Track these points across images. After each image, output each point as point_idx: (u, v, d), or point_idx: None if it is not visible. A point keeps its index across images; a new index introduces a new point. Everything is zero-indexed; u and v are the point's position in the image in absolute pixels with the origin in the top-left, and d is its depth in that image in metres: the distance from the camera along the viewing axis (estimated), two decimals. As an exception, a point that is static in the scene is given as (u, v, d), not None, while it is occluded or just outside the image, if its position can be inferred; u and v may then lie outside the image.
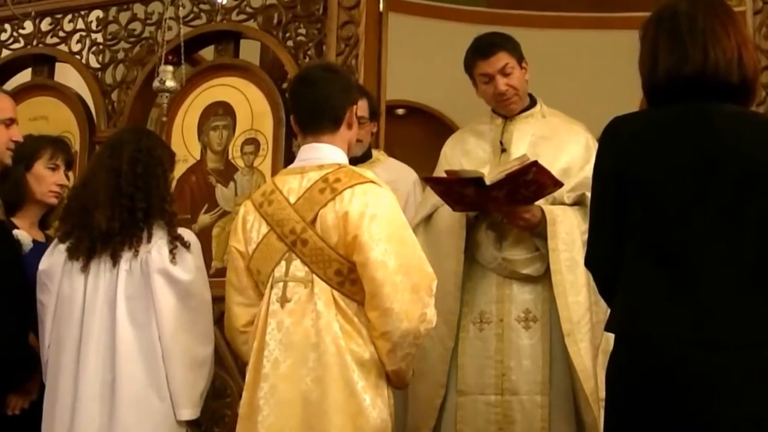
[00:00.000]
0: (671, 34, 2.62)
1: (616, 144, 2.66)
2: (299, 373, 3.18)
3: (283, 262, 3.29)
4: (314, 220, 3.25)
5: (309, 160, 3.38)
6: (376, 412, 3.18)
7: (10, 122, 3.88)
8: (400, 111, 9.84)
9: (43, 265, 3.67)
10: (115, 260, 3.53)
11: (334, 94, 3.40)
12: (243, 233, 3.40)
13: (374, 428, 3.17)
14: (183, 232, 3.63)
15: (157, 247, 3.54)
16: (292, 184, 3.34)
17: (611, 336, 3.19)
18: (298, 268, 3.27)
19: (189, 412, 3.54)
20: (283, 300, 3.26)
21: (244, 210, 3.45)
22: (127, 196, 3.56)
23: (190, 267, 3.56)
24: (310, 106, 3.41)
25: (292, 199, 3.30)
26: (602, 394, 3.65)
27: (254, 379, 3.25)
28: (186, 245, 3.57)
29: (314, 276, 3.24)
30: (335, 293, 3.23)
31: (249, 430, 3.24)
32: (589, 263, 2.80)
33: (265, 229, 3.34)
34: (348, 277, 3.24)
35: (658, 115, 2.63)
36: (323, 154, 3.38)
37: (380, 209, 3.24)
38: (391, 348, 3.21)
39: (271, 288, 3.29)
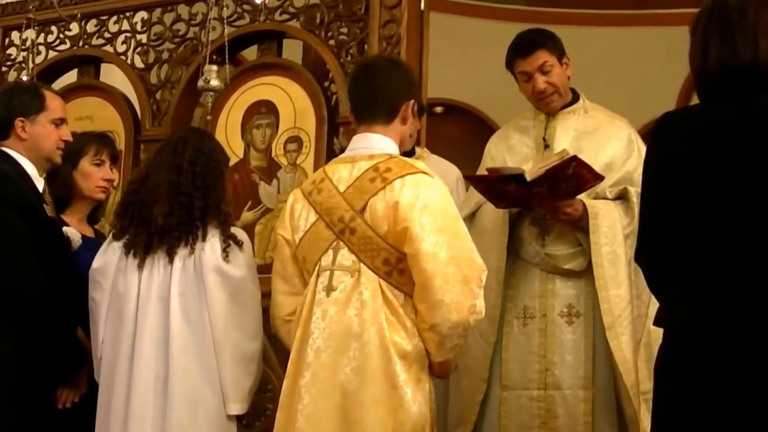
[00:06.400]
0: (721, 28, 2.61)
1: (667, 139, 2.66)
2: (340, 362, 3.18)
3: (331, 251, 3.29)
4: (363, 209, 3.25)
5: (360, 149, 3.39)
6: (416, 405, 3.17)
7: (61, 122, 3.96)
8: (439, 109, 9.82)
9: (96, 263, 3.72)
10: (171, 256, 3.58)
11: (392, 86, 3.41)
12: (290, 221, 3.41)
13: (414, 422, 3.16)
14: (236, 231, 3.67)
15: (210, 245, 3.58)
16: (342, 173, 3.34)
17: (653, 330, 3.21)
18: (345, 257, 3.26)
19: (238, 407, 3.58)
20: (329, 289, 3.25)
21: (293, 198, 3.46)
22: (185, 194, 3.62)
23: (241, 264, 3.60)
24: (367, 94, 3.42)
25: (342, 188, 3.30)
26: (643, 387, 3.70)
27: (297, 367, 3.25)
28: (239, 244, 3.61)
29: (362, 265, 3.23)
30: (382, 283, 3.22)
31: (288, 419, 3.23)
32: (638, 257, 2.80)
33: (313, 217, 3.35)
34: (396, 266, 3.23)
35: (709, 110, 2.63)
36: (374, 143, 3.37)
37: (431, 200, 3.22)
38: (440, 340, 3.21)
39: (317, 276, 3.29)
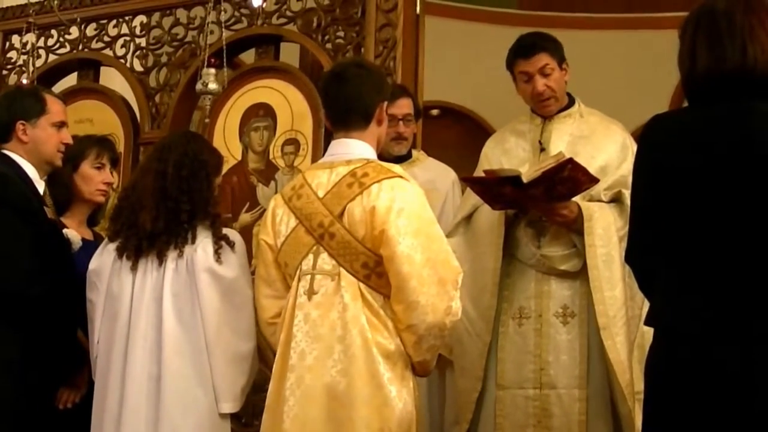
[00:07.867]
0: (709, 33, 2.62)
1: (656, 141, 2.68)
2: (325, 364, 3.21)
3: (311, 255, 3.32)
4: (342, 214, 3.28)
5: (338, 155, 3.42)
6: (401, 403, 3.20)
7: (62, 125, 3.98)
8: (435, 112, 9.87)
9: (92, 264, 3.75)
10: (161, 259, 3.61)
11: (365, 91, 3.43)
12: (272, 226, 3.44)
13: (399, 419, 3.20)
14: (228, 232, 3.70)
15: (202, 246, 3.60)
16: (321, 179, 3.37)
17: (647, 330, 3.23)
18: (325, 261, 3.30)
19: (230, 406, 3.60)
20: (310, 292, 3.29)
21: (274, 204, 3.50)
22: (171, 198, 3.64)
23: (234, 265, 3.62)
24: (342, 102, 3.44)
25: (321, 193, 3.33)
26: (637, 387, 3.69)
27: (281, 370, 3.29)
28: (231, 244, 3.63)
29: (341, 269, 3.27)
30: (362, 286, 3.26)
31: (275, 421, 3.27)
32: (628, 258, 2.83)
33: (293, 222, 3.38)
34: (374, 270, 3.26)
35: (697, 114, 2.65)
36: (352, 149, 3.40)
37: (407, 204, 3.25)
38: (416, 340, 3.25)
39: (299, 281, 3.33)
